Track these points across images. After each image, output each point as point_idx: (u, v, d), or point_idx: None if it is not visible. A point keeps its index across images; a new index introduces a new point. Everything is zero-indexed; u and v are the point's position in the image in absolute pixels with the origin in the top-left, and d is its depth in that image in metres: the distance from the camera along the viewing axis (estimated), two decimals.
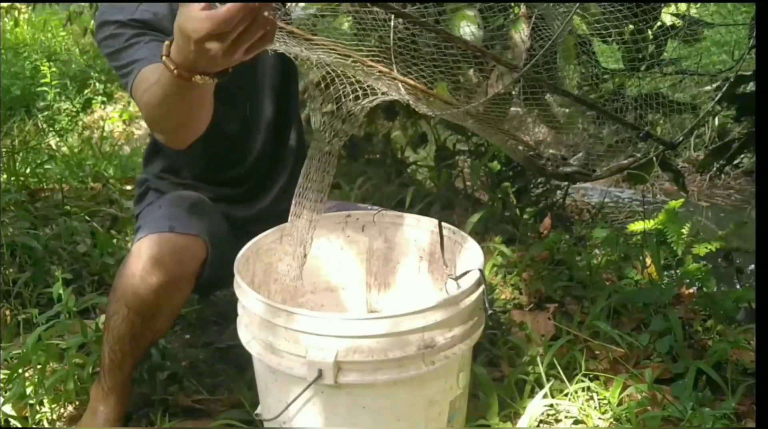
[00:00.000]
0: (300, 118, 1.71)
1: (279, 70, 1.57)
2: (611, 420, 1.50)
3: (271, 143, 1.61)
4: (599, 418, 1.51)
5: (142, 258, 1.32)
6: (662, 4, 1.82)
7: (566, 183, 3.01)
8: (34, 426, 1.49)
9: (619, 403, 1.53)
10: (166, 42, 1.04)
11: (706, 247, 2.32)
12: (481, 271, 1.24)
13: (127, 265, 1.35)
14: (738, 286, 2.31)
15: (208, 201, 1.53)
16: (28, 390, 1.55)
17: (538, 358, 1.61)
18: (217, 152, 1.55)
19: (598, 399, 1.57)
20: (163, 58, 1.02)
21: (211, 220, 1.47)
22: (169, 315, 1.43)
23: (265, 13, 0.92)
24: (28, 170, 3.04)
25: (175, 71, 1.01)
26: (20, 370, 1.58)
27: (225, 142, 1.53)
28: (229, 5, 0.89)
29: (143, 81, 1.28)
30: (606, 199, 3.42)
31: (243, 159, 1.59)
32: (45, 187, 2.89)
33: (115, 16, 1.36)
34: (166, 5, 1.38)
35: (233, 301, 1.27)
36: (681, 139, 1.37)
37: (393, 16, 1.23)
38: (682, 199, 2.52)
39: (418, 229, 1.50)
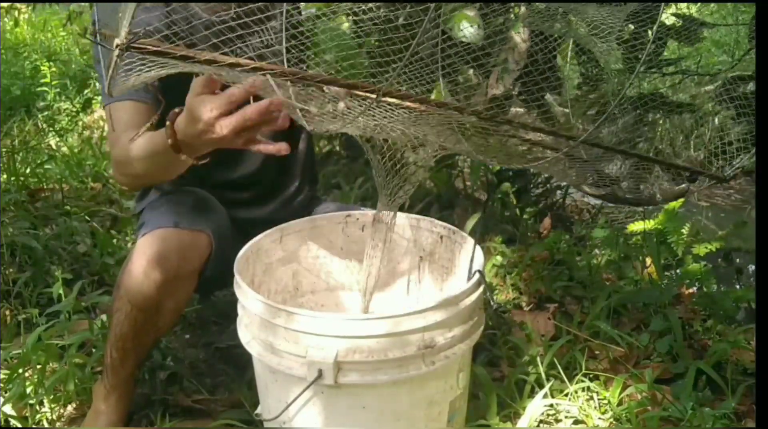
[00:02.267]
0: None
1: None
2: (611, 420, 1.50)
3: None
4: (599, 418, 1.51)
5: (145, 254, 1.32)
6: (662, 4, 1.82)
7: (566, 183, 3.01)
8: (34, 426, 1.50)
9: (619, 403, 1.53)
10: (175, 110, 1.12)
11: (706, 247, 2.32)
12: (481, 272, 1.24)
13: (130, 262, 1.35)
14: (738, 286, 2.31)
15: (212, 197, 1.52)
16: (28, 390, 1.55)
17: (538, 358, 1.61)
18: (221, 158, 1.55)
19: (598, 399, 1.57)
20: (167, 123, 1.12)
21: (216, 217, 1.46)
22: (172, 312, 1.43)
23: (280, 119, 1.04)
24: (28, 170, 3.04)
25: (170, 141, 1.12)
26: (20, 370, 1.58)
27: (230, 149, 1.53)
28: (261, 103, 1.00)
29: (122, 110, 1.34)
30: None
31: (249, 165, 1.59)
32: (45, 187, 2.89)
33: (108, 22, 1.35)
34: (163, 18, 1.36)
35: (233, 301, 1.27)
36: (732, 173, 1.38)
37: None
38: (682, 199, 2.52)
39: (418, 229, 1.50)
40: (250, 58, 0.91)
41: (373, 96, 0.91)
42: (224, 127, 1.03)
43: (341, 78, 1.09)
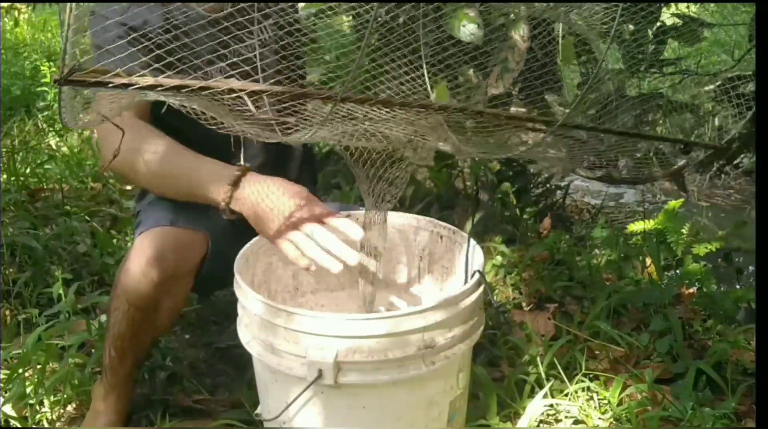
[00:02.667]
0: None
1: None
2: (611, 420, 1.50)
3: (273, 150, 1.62)
4: (599, 418, 1.51)
5: (142, 253, 1.32)
6: (662, 4, 1.83)
7: (566, 183, 3.02)
8: (34, 426, 1.49)
9: (619, 403, 1.53)
10: (237, 173, 1.19)
11: (706, 247, 2.32)
12: (481, 273, 1.24)
13: (128, 261, 1.35)
14: (738, 286, 2.31)
15: None
16: (28, 390, 1.55)
17: (538, 358, 1.61)
18: (218, 158, 1.55)
19: (598, 399, 1.57)
20: (227, 186, 1.20)
21: (213, 215, 1.46)
22: (170, 311, 1.43)
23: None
24: (28, 170, 3.04)
25: (223, 204, 1.20)
26: (20, 370, 1.58)
27: (227, 149, 1.53)
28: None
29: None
30: (606, 199, 3.42)
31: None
32: (45, 187, 2.89)
33: (104, 9, 1.31)
34: (160, 15, 1.35)
35: (233, 301, 1.27)
36: (727, 140, 1.37)
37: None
38: (682, 199, 2.52)
39: (418, 229, 1.50)
40: (236, 64, 0.90)
41: (326, 111, 0.89)
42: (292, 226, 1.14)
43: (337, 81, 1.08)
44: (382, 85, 1.18)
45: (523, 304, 2.04)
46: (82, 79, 0.78)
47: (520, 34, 1.46)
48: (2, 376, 1.60)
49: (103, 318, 1.79)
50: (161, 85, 0.82)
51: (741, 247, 2.37)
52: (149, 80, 0.81)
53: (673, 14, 2.13)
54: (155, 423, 1.51)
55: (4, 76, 4.45)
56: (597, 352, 1.75)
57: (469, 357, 1.28)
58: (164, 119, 1.45)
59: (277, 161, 1.62)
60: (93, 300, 1.99)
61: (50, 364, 1.64)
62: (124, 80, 0.80)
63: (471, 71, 1.52)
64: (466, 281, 1.32)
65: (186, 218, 1.39)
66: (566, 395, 1.56)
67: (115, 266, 2.13)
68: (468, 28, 1.40)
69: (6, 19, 5.89)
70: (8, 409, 1.48)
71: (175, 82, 0.82)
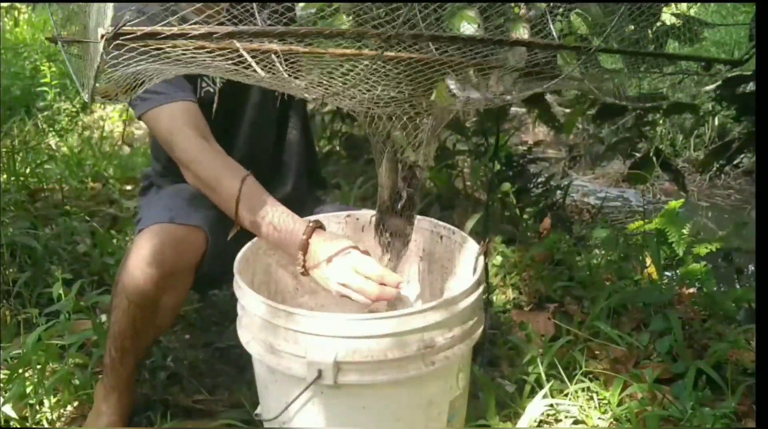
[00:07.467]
0: (308, 127, 1.71)
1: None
2: (611, 420, 1.50)
3: (274, 153, 1.62)
4: (599, 418, 1.51)
5: (141, 250, 1.32)
6: (662, 4, 1.82)
7: (566, 183, 3.02)
8: (34, 426, 1.49)
9: (619, 403, 1.53)
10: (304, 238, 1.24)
11: (706, 247, 2.32)
12: (486, 270, 1.24)
13: (127, 258, 1.35)
14: (738, 286, 2.31)
15: None
16: (28, 390, 1.55)
17: (538, 359, 1.61)
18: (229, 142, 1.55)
19: (598, 399, 1.57)
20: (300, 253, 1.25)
21: (212, 212, 1.46)
22: (170, 309, 1.43)
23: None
24: (28, 170, 3.04)
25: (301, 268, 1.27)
26: (20, 370, 1.58)
27: (227, 149, 1.53)
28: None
29: (166, 118, 1.37)
30: (606, 199, 3.42)
31: (245, 165, 1.58)
32: (45, 187, 2.89)
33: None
34: (163, 15, 1.34)
35: (233, 301, 1.27)
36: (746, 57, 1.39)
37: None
38: (682, 199, 2.52)
39: (417, 229, 1.50)
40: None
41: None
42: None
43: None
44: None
45: (523, 304, 2.04)
46: (131, 31, 0.76)
47: (520, 33, 1.46)
48: (2, 376, 1.60)
49: (104, 318, 1.79)
50: (215, 32, 0.80)
51: (741, 247, 2.38)
52: (202, 29, 0.79)
53: (673, 14, 2.13)
54: (155, 423, 1.51)
55: (4, 76, 4.45)
56: (597, 352, 1.75)
57: (469, 357, 1.28)
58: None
59: (273, 160, 1.62)
60: (93, 299, 1.98)
61: (50, 364, 1.64)
62: (175, 30, 0.78)
63: (471, 71, 1.51)
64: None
65: (184, 214, 1.39)
66: (566, 395, 1.56)
67: (115, 266, 2.13)
68: (468, 29, 1.40)
69: (6, 19, 5.89)
70: (8, 409, 1.48)
71: (227, 28, 0.81)
